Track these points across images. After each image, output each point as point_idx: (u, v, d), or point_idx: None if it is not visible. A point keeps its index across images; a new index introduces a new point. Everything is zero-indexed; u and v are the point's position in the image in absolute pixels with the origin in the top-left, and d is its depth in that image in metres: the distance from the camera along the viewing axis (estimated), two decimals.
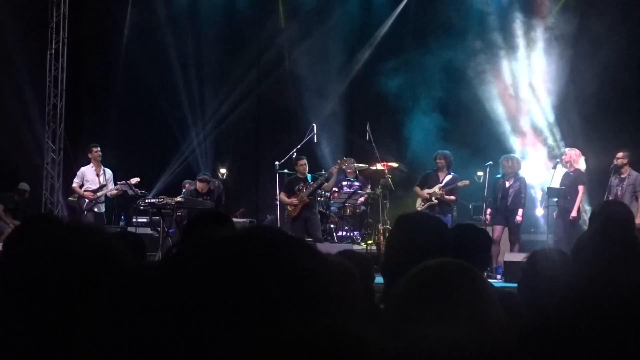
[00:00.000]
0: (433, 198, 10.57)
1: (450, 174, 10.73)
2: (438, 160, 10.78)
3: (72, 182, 11.70)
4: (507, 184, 10.32)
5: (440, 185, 10.61)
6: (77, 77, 14.10)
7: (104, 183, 11.53)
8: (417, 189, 10.87)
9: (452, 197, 10.62)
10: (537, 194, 11.74)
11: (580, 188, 10.23)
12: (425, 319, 1.48)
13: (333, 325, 0.89)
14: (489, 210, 10.46)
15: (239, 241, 0.99)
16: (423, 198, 10.77)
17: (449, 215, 10.45)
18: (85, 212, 11.38)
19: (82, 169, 11.66)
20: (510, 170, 10.35)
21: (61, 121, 13.73)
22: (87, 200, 11.38)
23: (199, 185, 11.61)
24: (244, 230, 1.04)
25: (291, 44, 14.33)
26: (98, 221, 11.11)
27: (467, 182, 10.70)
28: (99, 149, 11.64)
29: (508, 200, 10.23)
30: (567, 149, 10.67)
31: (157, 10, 14.30)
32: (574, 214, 10.01)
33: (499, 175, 10.52)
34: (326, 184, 10.83)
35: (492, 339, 1.50)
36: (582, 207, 10.38)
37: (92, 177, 11.57)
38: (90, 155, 11.65)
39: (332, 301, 1.00)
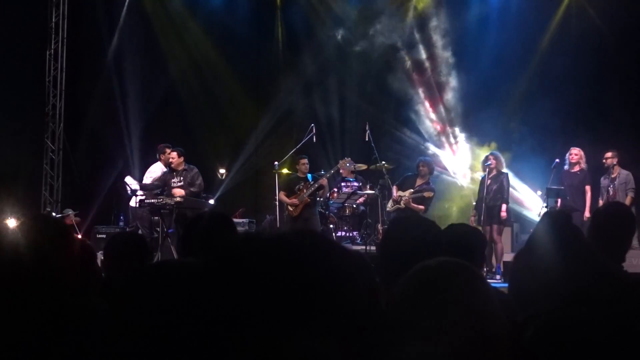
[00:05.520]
0: (401, 202, 10.36)
1: (428, 182, 10.53)
2: (421, 168, 10.60)
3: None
4: (489, 182, 10.17)
5: (412, 190, 10.43)
6: (76, 77, 14.08)
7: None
8: (394, 188, 10.73)
9: (421, 207, 10.29)
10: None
11: (588, 188, 10.17)
12: (425, 318, 1.48)
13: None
14: (473, 212, 10.37)
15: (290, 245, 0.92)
16: (393, 199, 10.64)
17: None
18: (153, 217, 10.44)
19: (161, 170, 10.81)
20: (492, 167, 10.21)
21: (61, 121, 13.73)
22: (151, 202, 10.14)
23: (172, 155, 10.54)
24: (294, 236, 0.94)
25: (291, 44, 14.33)
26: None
27: (431, 193, 10.38)
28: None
29: (487, 199, 10.08)
30: (573, 148, 10.50)
31: (156, 10, 14.29)
32: (587, 214, 9.86)
33: (483, 175, 10.40)
34: (319, 192, 10.73)
35: (492, 338, 1.49)
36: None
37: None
38: (163, 157, 10.93)
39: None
